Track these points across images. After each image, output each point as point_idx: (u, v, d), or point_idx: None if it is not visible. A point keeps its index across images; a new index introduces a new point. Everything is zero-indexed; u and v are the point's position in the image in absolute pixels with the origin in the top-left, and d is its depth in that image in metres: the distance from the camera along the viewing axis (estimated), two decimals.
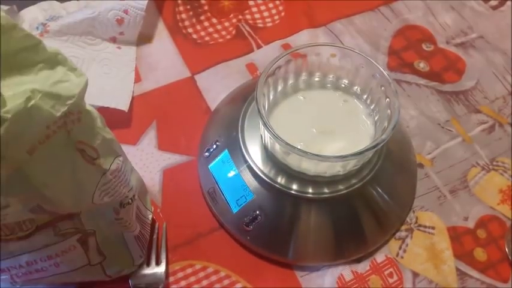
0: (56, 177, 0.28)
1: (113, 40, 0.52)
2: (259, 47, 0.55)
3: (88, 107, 0.30)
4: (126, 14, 0.51)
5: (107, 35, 0.52)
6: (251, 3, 0.58)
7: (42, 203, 0.29)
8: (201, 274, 0.40)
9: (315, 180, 0.39)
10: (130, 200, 0.34)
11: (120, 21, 0.51)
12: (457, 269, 0.41)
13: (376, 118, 0.41)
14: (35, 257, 0.33)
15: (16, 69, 0.27)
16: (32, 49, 0.27)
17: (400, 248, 0.42)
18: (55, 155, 0.27)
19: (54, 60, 0.28)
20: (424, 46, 0.56)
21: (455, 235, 0.43)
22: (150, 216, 0.40)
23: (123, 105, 0.47)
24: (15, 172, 0.26)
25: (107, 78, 0.50)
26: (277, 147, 0.37)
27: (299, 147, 0.36)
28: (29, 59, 0.27)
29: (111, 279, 0.37)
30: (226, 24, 0.56)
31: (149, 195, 0.42)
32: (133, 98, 0.50)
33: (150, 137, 0.47)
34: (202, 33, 0.55)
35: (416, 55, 0.55)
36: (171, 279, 0.40)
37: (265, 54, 0.54)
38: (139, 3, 0.51)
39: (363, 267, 0.41)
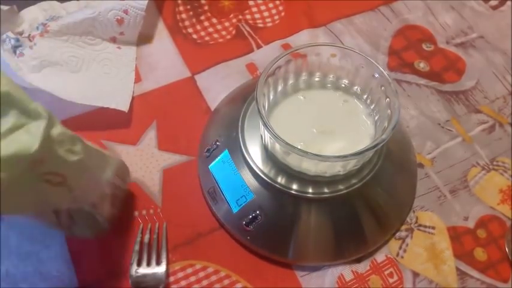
0: (25, 208, 0.30)
1: (113, 40, 0.52)
2: (259, 47, 0.55)
3: (53, 135, 0.28)
4: (126, 14, 0.51)
5: (107, 35, 0.52)
6: (251, 3, 0.58)
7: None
8: (201, 274, 0.40)
9: (315, 180, 0.39)
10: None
11: (120, 21, 0.51)
12: (457, 269, 0.41)
13: (376, 118, 0.40)
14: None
15: None
16: None
17: (400, 247, 0.42)
18: (21, 191, 0.28)
19: (5, 101, 0.26)
20: (424, 46, 0.56)
21: (456, 235, 0.43)
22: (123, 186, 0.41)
23: (123, 105, 0.47)
24: None
25: (106, 78, 0.50)
26: (277, 147, 0.37)
27: (299, 147, 0.36)
28: None
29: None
30: (226, 24, 0.56)
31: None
32: (133, 98, 0.50)
33: (150, 137, 0.47)
34: (202, 33, 0.55)
35: (416, 55, 0.55)
36: (171, 279, 0.40)
37: (265, 54, 0.54)
38: (139, 3, 0.51)
39: (363, 267, 0.41)
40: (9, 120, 0.26)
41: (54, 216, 0.35)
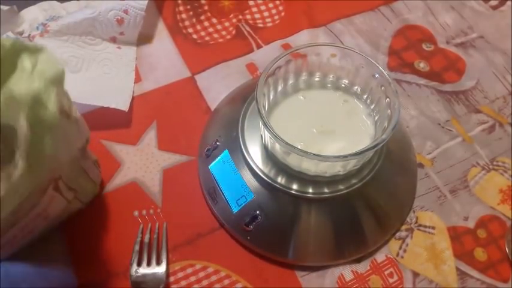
0: (57, 140, 0.31)
1: (113, 40, 0.52)
2: (259, 47, 0.55)
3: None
4: (126, 14, 0.51)
5: (107, 35, 0.52)
6: (251, 3, 0.58)
7: (51, 165, 0.33)
8: (201, 274, 0.40)
9: (315, 180, 0.39)
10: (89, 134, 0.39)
11: (120, 21, 0.51)
12: (457, 269, 0.41)
13: (376, 118, 0.40)
14: (26, 220, 0.35)
15: None
16: None
17: (400, 247, 0.42)
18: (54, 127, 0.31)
19: (14, 50, 0.30)
20: (424, 46, 0.56)
21: (456, 235, 0.43)
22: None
23: (123, 105, 0.47)
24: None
25: (107, 78, 0.50)
26: (277, 147, 0.37)
27: (299, 147, 0.36)
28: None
29: (84, 204, 0.42)
30: (226, 24, 0.56)
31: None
32: (133, 98, 0.50)
33: (150, 137, 0.47)
34: (203, 33, 0.55)
35: (416, 55, 0.55)
36: (171, 279, 0.40)
37: (265, 54, 0.54)
38: (139, 3, 0.51)
39: (363, 267, 0.41)
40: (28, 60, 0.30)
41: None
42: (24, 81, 0.29)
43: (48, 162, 0.31)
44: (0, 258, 0.37)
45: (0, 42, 0.29)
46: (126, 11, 0.50)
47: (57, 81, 0.30)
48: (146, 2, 0.51)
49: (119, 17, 0.50)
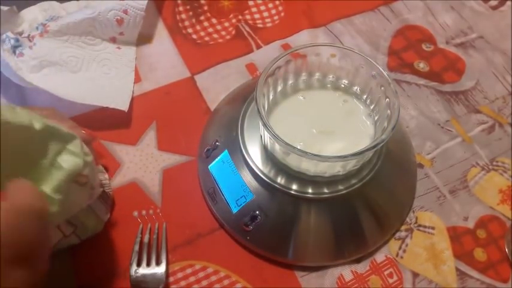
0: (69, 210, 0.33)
1: (113, 40, 0.52)
2: (258, 47, 0.55)
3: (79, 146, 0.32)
4: (126, 14, 0.51)
5: (106, 35, 0.52)
6: (251, 3, 0.58)
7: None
8: (201, 274, 0.40)
9: (315, 181, 0.39)
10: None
11: (120, 22, 0.51)
12: (457, 269, 0.41)
13: (376, 118, 0.41)
14: None
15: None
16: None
17: (400, 248, 0.42)
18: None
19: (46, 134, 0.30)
20: (424, 46, 0.56)
21: (455, 235, 0.43)
22: (105, 176, 0.43)
23: (123, 105, 0.47)
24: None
25: (106, 79, 0.50)
26: (277, 147, 0.37)
27: (299, 148, 0.36)
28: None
29: (81, 240, 0.40)
30: (226, 24, 0.56)
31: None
32: (133, 98, 0.50)
33: (150, 137, 0.47)
34: (202, 34, 0.55)
35: (416, 55, 0.55)
36: (171, 279, 0.40)
37: (265, 55, 0.54)
38: (139, 3, 0.51)
39: (362, 267, 0.41)
40: (54, 148, 0.30)
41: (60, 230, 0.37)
42: (45, 170, 0.30)
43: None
44: None
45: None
46: (125, 11, 0.50)
47: (75, 175, 0.31)
48: (146, 2, 0.51)
49: (119, 17, 0.50)
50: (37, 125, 0.29)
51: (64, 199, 0.30)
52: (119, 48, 0.52)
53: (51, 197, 0.29)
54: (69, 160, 0.30)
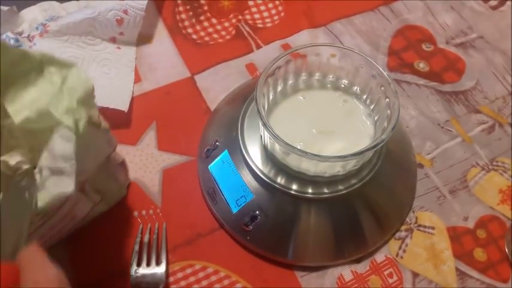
0: (86, 152, 0.32)
1: (113, 40, 0.52)
2: (258, 47, 0.55)
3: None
4: (126, 14, 0.51)
5: (106, 35, 0.52)
6: (251, 3, 0.58)
7: (81, 179, 0.33)
8: (201, 274, 0.40)
9: (315, 181, 0.39)
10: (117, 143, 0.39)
11: (119, 22, 0.51)
12: (457, 269, 0.41)
13: (375, 118, 0.41)
14: (54, 221, 0.35)
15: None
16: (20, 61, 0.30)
17: (399, 248, 0.42)
18: (82, 139, 0.31)
19: (43, 63, 0.31)
20: (423, 46, 0.56)
21: (455, 235, 0.43)
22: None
23: (123, 105, 0.47)
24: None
25: (106, 79, 0.50)
26: (277, 147, 0.37)
27: (299, 148, 0.36)
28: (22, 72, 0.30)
29: (110, 206, 0.42)
30: (226, 24, 0.56)
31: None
32: (133, 98, 0.50)
33: (150, 137, 0.47)
34: (202, 34, 0.55)
35: (416, 55, 0.55)
36: (171, 279, 0.40)
37: (264, 55, 0.54)
38: (139, 3, 0.51)
39: (362, 267, 0.41)
40: (57, 75, 0.31)
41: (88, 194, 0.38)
42: (55, 96, 0.30)
43: (79, 175, 0.32)
44: None
45: (30, 53, 0.30)
46: (125, 11, 0.50)
47: (88, 98, 0.31)
48: (146, 2, 0.51)
49: (119, 17, 0.50)
50: (36, 54, 0.30)
51: (88, 143, 0.31)
52: (118, 48, 0.52)
53: (62, 121, 0.29)
54: (77, 81, 0.30)
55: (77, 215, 0.38)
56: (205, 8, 0.57)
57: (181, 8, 0.57)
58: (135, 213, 0.43)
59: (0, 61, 0.29)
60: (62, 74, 0.31)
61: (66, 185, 0.29)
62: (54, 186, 0.29)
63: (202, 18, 0.56)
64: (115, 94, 0.48)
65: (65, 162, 0.29)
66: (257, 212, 0.40)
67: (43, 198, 0.28)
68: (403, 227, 0.43)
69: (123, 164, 0.42)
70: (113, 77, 0.50)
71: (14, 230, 0.29)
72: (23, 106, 0.30)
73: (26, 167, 0.28)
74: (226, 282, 0.40)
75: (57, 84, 0.30)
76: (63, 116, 0.29)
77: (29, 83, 0.30)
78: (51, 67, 0.31)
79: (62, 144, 0.29)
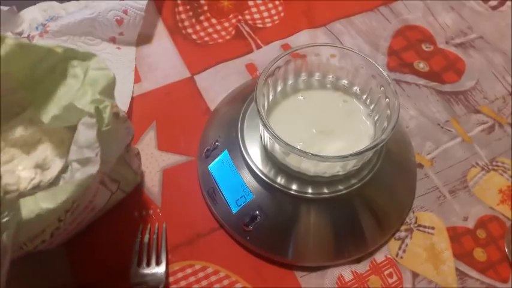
0: (109, 143, 0.32)
1: (113, 40, 0.52)
2: (258, 47, 0.55)
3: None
4: (126, 14, 0.51)
5: (106, 36, 0.52)
6: (250, 3, 0.58)
7: (104, 170, 0.34)
8: (201, 274, 0.40)
9: (315, 181, 0.39)
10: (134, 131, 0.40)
11: (119, 22, 0.51)
12: (457, 269, 0.41)
13: (375, 118, 0.40)
14: (75, 213, 0.35)
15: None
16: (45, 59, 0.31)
17: (399, 248, 0.42)
18: (108, 130, 0.32)
19: (65, 58, 0.31)
20: (423, 46, 0.56)
21: (455, 235, 0.43)
22: None
23: (123, 106, 0.47)
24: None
25: None
26: (277, 147, 0.37)
27: (298, 148, 0.36)
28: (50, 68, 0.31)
29: (127, 194, 0.43)
30: (226, 24, 0.56)
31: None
32: (133, 98, 0.50)
33: (149, 137, 0.47)
34: (202, 34, 0.55)
35: (416, 55, 0.55)
36: (171, 279, 0.40)
37: (264, 55, 0.54)
38: (139, 3, 0.51)
39: (362, 267, 0.41)
40: (79, 68, 0.31)
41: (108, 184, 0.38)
42: (78, 90, 0.30)
43: (102, 167, 0.32)
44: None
45: (54, 48, 0.30)
46: (125, 11, 0.50)
47: (109, 89, 0.31)
48: (146, 2, 0.51)
49: (119, 17, 0.50)
50: (58, 49, 0.30)
51: (112, 134, 0.31)
52: (118, 48, 0.52)
53: (88, 111, 0.29)
54: (99, 73, 0.31)
55: (96, 206, 0.38)
56: (205, 8, 0.57)
57: (181, 8, 0.57)
58: (135, 213, 0.43)
59: (26, 58, 0.29)
60: (84, 66, 0.31)
61: (91, 169, 0.29)
62: (82, 175, 0.29)
63: (202, 18, 0.57)
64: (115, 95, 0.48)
65: (90, 151, 0.29)
66: (257, 212, 0.40)
67: (69, 189, 0.28)
68: (403, 227, 0.43)
69: (137, 154, 0.43)
70: None
71: None
72: (51, 105, 0.31)
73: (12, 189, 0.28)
74: (226, 282, 0.40)
75: (80, 78, 0.31)
76: (86, 107, 0.30)
77: (56, 79, 0.31)
78: (74, 60, 0.31)
79: (85, 133, 0.29)
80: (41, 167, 0.35)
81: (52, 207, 0.27)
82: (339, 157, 0.35)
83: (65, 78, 0.31)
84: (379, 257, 0.42)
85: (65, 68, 0.31)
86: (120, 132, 0.35)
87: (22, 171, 0.34)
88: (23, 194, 0.29)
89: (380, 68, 0.39)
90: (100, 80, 0.31)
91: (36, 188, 0.33)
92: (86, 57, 0.31)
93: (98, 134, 0.29)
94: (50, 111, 0.30)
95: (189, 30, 0.56)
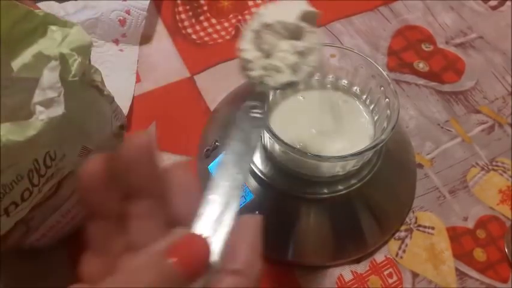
0: (88, 113, 0.32)
1: (116, 42, 0.52)
2: None
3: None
4: (128, 14, 0.50)
5: (109, 37, 0.51)
6: (250, 3, 0.58)
7: (85, 142, 0.33)
8: None
9: (315, 181, 0.39)
10: (126, 120, 0.39)
11: (122, 22, 0.51)
12: (457, 269, 0.41)
13: (375, 118, 0.40)
14: (68, 205, 0.36)
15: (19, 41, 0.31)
16: (24, 19, 0.31)
17: (399, 248, 0.42)
18: (82, 96, 0.31)
19: (45, 22, 0.31)
20: (423, 46, 0.56)
21: (455, 235, 0.43)
22: None
23: (123, 109, 0.47)
24: (62, 117, 0.28)
25: (107, 81, 0.50)
26: (277, 147, 0.37)
27: (299, 148, 0.36)
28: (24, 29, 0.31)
29: None
30: (226, 24, 0.56)
31: None
32: (133, 98, 0.50)
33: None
34: (202, 34, 0.55)
35: (415, 55, 0.55)
36: None
37: None
38: (141, 3, 0.51)
39: (362, 267, 0.41)
40: (59, 33, 0.31)
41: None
42: (54, 48, 0.30)
43: (81, 135, 0.32)
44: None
45: (34, 11, 0.31)
46: (128, 11, 0.50)
47: (83, 50, 0.31)
48: (148, 2, 0.51)
49: (121, 18, 0.50)
50: (39, 12, 0.30)
51: (90, 102, 0.32)
52: (121, 50, 0.52)
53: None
54: (77, 37, 0.31)
55: None
56: (205, 8, 0.57)
57: (181, 8, 0.57)
58: None
59: (6, 16, 0.29)
60: (64, 32, 0.31)
61: (56, 110, 0.28)
62: (46, 116, 0.28)
63: (202, 18, 0.56)
64: (115, 97, 0.48)
65: (53, 91, 0.28)
66: (257, 212, 0.40)
67: (37, 125, 0.28)
68: (402, 227, 0.43)
69: None
70: (113, 79, 0.50)
71: None
72: (23, 56, 0.31)
73: None
74: None
75: (57, 41, 0.31)
76: (53, 54, 0.29)
77: (33, 41, 0.31)
78: (54, 26, 0.31)
79: (48, 76, 0.28)
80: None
81: (20, 140, 0.26)
82: (338, 157, 0.35)
83: (42, 41, 0.31)
84: (379, 257, 0.42)
85: (44, 31, 0.32)
86: (103, 108, 0.35)
87: None
88: None
89: (380, 68, 0.39)
90: (76, 42, 0.31)
91: None
92: (66, 24, 0.32)
93: (64, 82, 0.29)
94: (21, 61, 0.30)
95: (189, 30, 0.56)
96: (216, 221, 0.22)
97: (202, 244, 0.20)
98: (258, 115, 0.29)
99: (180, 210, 0.22)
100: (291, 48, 0.30)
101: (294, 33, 0.31)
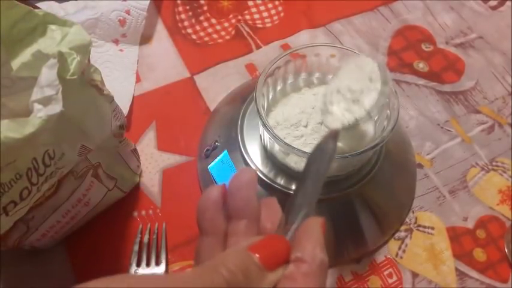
0: (87, 112, 0.33)
1: (116, 42, 0.52)
2: (258, 47, 0.55)
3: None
4: (128, 14, 0.50)
5: (109, 37, 0.51)
6: (250, 3, 0.58)
7: (84, 142, 0.33)
8: None
9: None
10: (125, 120, 0.40)
11: (122, 22, 0.51)
12: (457, 269, 0.41)
13: (375, 118, 0.40)
14: (67, 205, 0.36)
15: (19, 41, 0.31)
16: (24, 18, 0.31)
17: (399, 248, 0.42)
18: (81, 94, 0.32)
19: (45, 21, 0.32)
20: (423, 46, 0.56)
21: (455, 235, 0.43)
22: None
23: (123, 109, 0.47)
24: (61, 115, 0.29)
25: (107, 81, 0.49)
26: (277, 147, 0.37)
27: (298, 148, 0.36)
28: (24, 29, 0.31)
29: (125, 193, 0.43)
30: (226, 24, 0.56)
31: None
32: (133, 98, 0.50)
33: (149, 137, 0.47)
34: (202, 34, 0.55)
35: (415, 55, 0.55)
36: None
37: (264, 55, 0.54)
38: (141, 3, 0.51)
39: (362, 267, 0.41)
40: (58, 32, 0.32)
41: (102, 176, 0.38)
42: (53, 47, 0.30)
43: (80, 134, 0.32)
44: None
45: (34, 11, 0.31)
46: (127, 12, 0.50)
47: (82, 49, 0.31)
48: (148, 2, 0.51)
49: (121, 18, 0.50)
50: (39, 12, 0.31)
51: (90, 102, 0.32)
52: (121, 50, 0.52)
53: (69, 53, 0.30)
54: (77, 37, 0.31)
55: (91, 201, 0.38)
56: (205, 8, 0.57)
57: (180, 8, 0.57)
58: (135, 213, 0.43)
59: (6, 16, 0.30)
60: (63, 31, 0.31)
61: (54, 108, 0.28)
62: (45, 114, 0.28)
63: (201, 18, 0.57)
64: (115, 97, 0.48)
65: (50, 88, 0.28)
66: None
67: (35, 122, 0.28)
68: (402, 227, 0.43)
69: (134, 151, 0.43)
70: (113, 79, 0.50)
71: None
72: (23, 55, 0.31)
73: None
74: None
75: (57, 40, 0.31)
76: (52, 53, 0.29)
77: (32, 41, 0.31)
78: (53, 25, 0.32)
79: (47, 73, 0.28)
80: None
81: (18, 138, 0.26)
82: (338, 157, 0.35)
83: (42, 40, 0.31)
84: (379, 257, 0.42)
85: (44, 30, 0.32)
86: (103, 108, 0.35)
87: None
88: None
89: None
90: (75, 41, 0.31)
91: None
92: (66, 23, 0.32)
93: (63, 81, 0.29)
94: (20, 60, 0.31)
95: (189, 30, 0.56)
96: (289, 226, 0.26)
97: (283, 242, 0.24)
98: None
99: (266, 224, 0.26)
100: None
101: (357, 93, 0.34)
